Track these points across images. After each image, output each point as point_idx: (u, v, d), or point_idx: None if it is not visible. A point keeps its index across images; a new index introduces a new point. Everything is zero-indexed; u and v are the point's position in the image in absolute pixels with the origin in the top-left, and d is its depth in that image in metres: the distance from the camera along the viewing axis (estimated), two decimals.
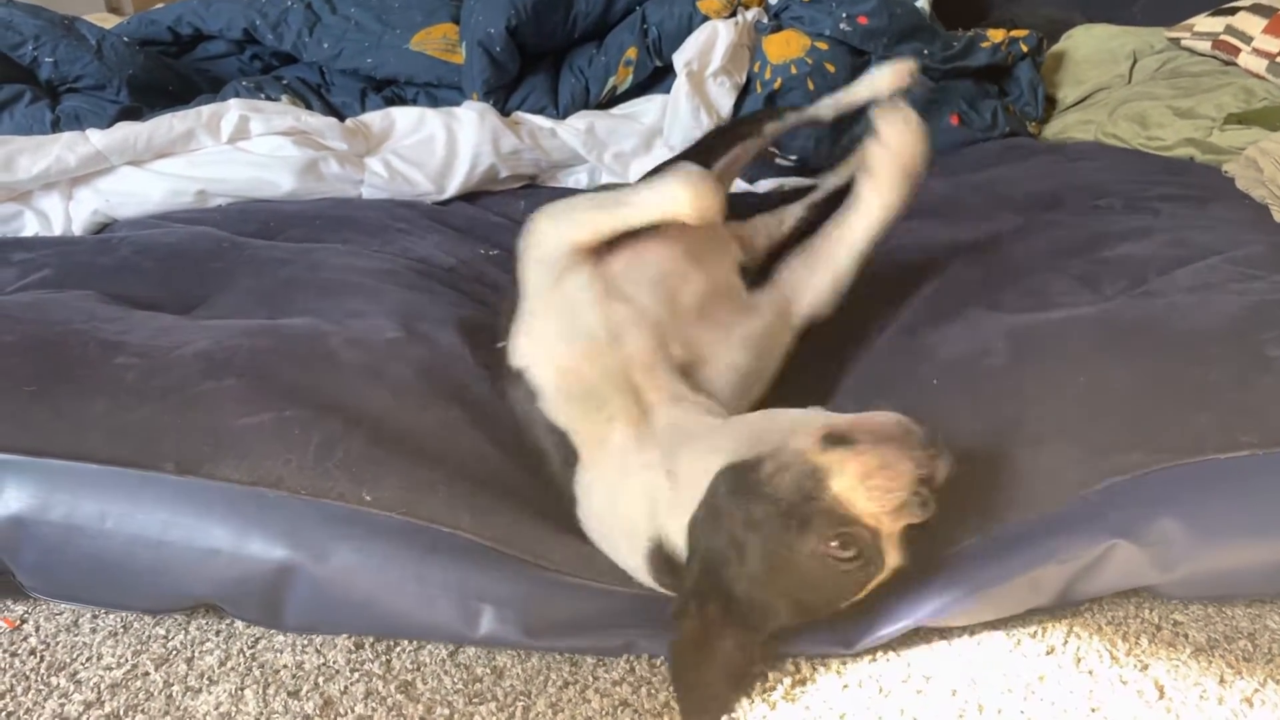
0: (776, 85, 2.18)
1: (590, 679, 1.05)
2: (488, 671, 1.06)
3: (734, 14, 2.32)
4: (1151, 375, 1.16)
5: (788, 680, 1.04)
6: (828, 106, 1.74)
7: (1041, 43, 2.55)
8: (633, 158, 2.20)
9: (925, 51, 2.26)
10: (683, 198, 1.20)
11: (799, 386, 1.31)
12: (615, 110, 2.32)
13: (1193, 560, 1.07)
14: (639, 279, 1.23)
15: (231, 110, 1.96)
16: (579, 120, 2.23)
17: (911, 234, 1.60)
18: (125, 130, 1.88)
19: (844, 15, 2.23)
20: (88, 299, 1.41)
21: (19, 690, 1.05)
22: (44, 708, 1.02)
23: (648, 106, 2.30)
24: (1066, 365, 1.21)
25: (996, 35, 2.48)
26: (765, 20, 2.33)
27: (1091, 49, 2.67)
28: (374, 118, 2.14)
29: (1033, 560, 1.05)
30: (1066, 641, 1.07)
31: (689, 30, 2.25)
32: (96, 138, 1.86)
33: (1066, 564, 1.05)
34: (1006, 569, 1.06)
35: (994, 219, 1.67)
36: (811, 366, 1.37)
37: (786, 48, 2.19)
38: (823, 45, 2.20)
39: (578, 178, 2.24)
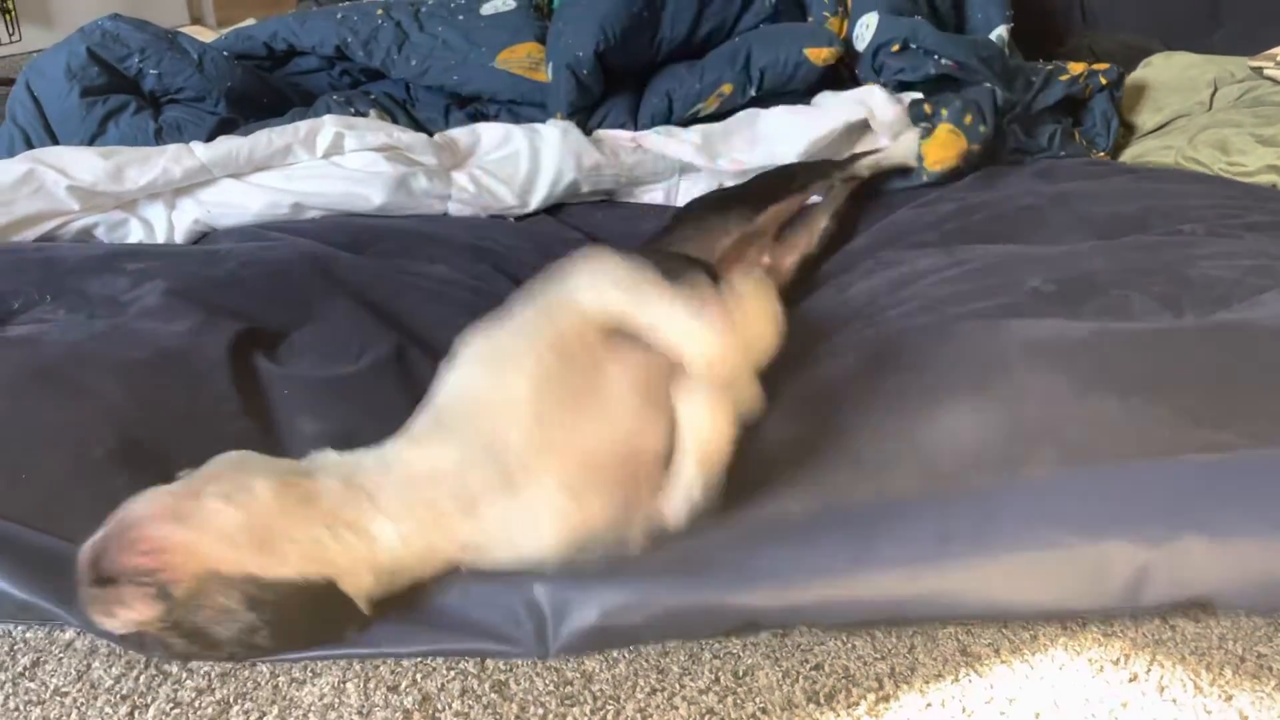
0: (923, 178, 2.11)
1: (677, 686, 1.08)
2: (577, 675, 1.09)
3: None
4: (1243, 363, 1.18)
5: (871, 696, 1.06)
6: (865, 167, 1.80)
7: (1121, 77, 2.54)
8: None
9: (1006, 96, 2.25)
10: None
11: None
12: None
13: (1264, 562, 1.06)
14: None
15: (327, 127, 2.04)
16: (692, 134, 2.25)
17: (985, 237, 1.62)
18: (227, 144, 1.97)
19: (933, 61, 2.25)
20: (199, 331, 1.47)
21: (133, 675, 1.10)
22: (158, 693, 1.08)
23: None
24: (1152, 351, 1.23)
25: (1076, 68, 2.48)
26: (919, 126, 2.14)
27: (1171, 76, 2.66)
28: (461, 133, 2.21)
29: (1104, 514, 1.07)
30: (1150, 670, 1.08)
31: (793, 76, 2.28)
32: (200, 151, 1.94)
33: (1134, 546, 1.06)
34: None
35: (1073, 232, 1.68)
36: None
37: (944, 151, 2.08)
38: (976, 148, 2.10)
39: (653, 195, 2.29)
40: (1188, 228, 1.67)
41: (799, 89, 2.39)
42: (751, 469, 1.19)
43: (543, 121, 2.30)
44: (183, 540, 1.00)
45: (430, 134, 2.38)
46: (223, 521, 1.01)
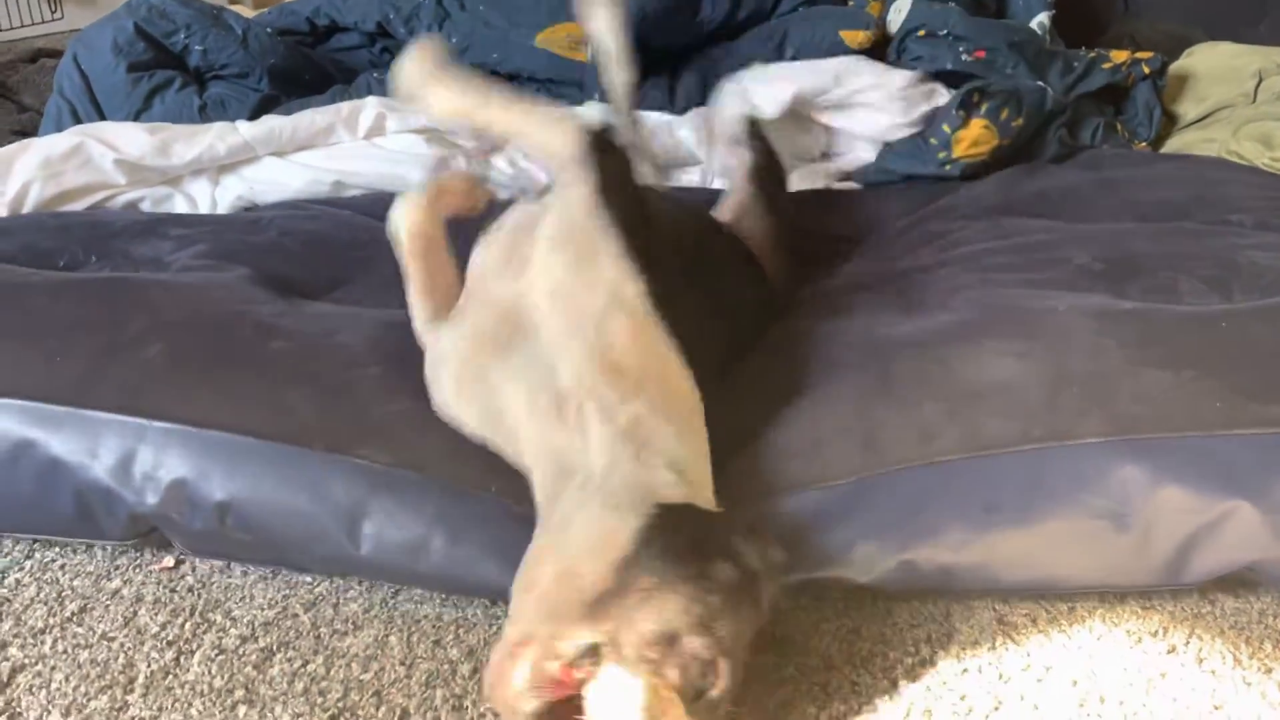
0: (945, 168, 2.06)
1: None
2: None
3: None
4: None
5: (908, 660, 1.06)
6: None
7: (1165, 66, 2.51)
8: None
9: (1056, 98, 2.22)
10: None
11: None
12: None
13: None
14: None
15: (369, 108, 2.06)
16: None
17: (1030, 216, 1.61)
18: (271, 123, 1.99)
19: (960, 50, 2.23)
20: (242, 280, 1.48)
21: (179, 622, 1.13)
22: (203, 639, 1.10)
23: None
24: (1205, 328, 1.23)
25: (1119, 56, 2.45)
26: (955, 112, 2.06)
27: (1214, 66, 2.63)
28: None
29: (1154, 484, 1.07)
30: (1189, 642, 1.08)
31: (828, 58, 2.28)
32: (245, 129, 1.97)
33: (1182, 516, 1.07)
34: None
35: (1118, 217, 1.66)
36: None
37: (974, 147, 2.04)
38: (1007, 143, 2.06)
39: (690, 176, 2.29)
40: (1235, 217, 1.66)
41: None
42: (795, 432, 1.20)
43: (580, 102, 2.30)
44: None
45: None
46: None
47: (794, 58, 2.29)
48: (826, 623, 1.12)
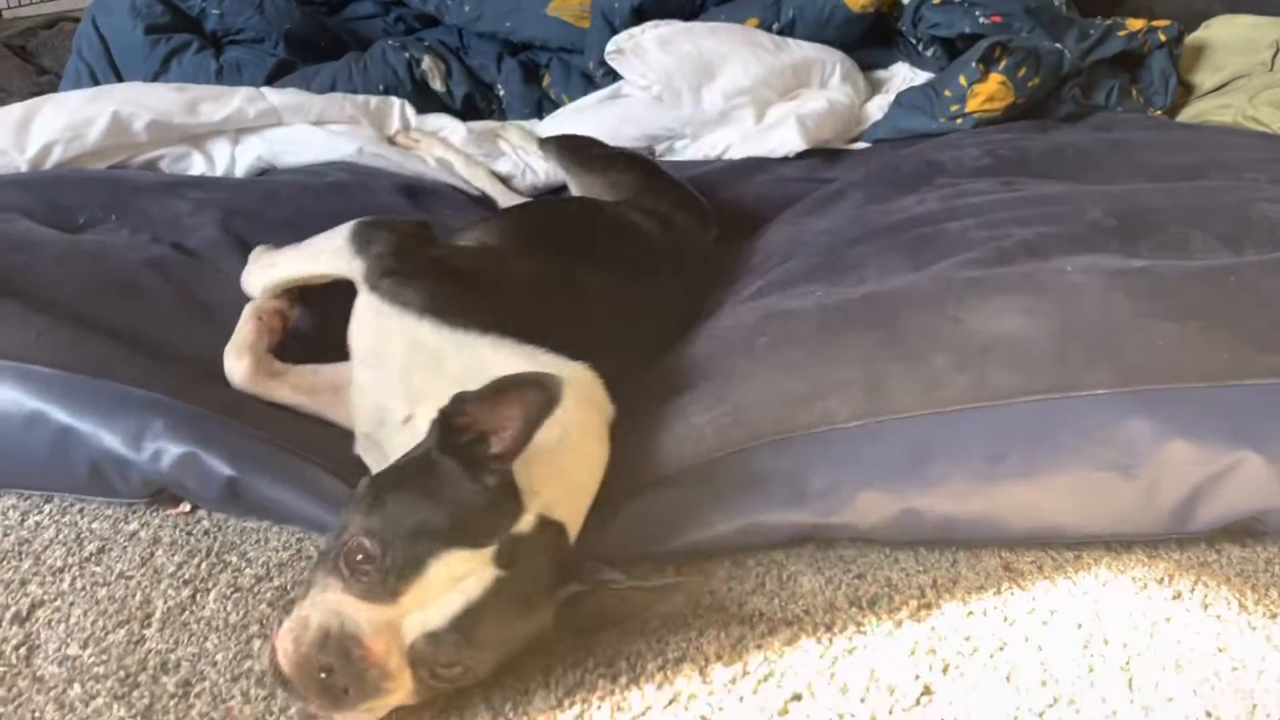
0: (957, 121, 2.07)
1: (724, 590, 1.10)
2: None
3: (877, 9, 2.32)
4: None
5: (913, 603, 1.07)
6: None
7: (1181, 34, 2.50)
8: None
9: (1072, 61, 2.21)
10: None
11: None
12: None
13: None
14: None
15: (396, 110, 2.13)
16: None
17: (1042, 174, 1.61)
18: (301, 98, 2.03)
19: (977, 14, 2.23)
20: None
21: (194, 562, 1.14)
22: (219, 579, 1.12)
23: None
24: (1212, 281, 1.24)
25: (1135, 24, 2.44)
26: (975, 65, 2.09)
27: (1232, 36, 2.61)
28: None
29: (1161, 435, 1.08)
30: (1194, 589, 1.09)
31: (828, 23, 2.27)
32: (272, 96, 2.00)
33: (1189, 466, 1.07)
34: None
35: (1131, 177, 1.66)
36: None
37: (989, 103, 2.06)
38: (1022, 101, 2.08)
39: (682, 154, 2.28)
40: (1249, 175, 1.65)
41: (837, 38, 2.38)
42: (796, 374, 1.21)
43: (587, 66, 2.32)
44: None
45: (483, 81, 2.42)
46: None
47: (792, 20, 2.29)
48: (830, 568, 1.13)
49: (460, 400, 0.96)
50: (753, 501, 1.13)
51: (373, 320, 1.20)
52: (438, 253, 1.31)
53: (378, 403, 1.16)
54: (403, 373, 1.14)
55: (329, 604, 0.88)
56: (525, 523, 0.95)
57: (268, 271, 1.40)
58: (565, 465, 1.04)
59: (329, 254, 1.33)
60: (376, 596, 0.88)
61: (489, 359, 1.10)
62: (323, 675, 0.85)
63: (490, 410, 0.95)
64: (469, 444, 0.96)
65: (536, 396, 0.93)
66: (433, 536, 0.89)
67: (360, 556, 0.89)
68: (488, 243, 1.40)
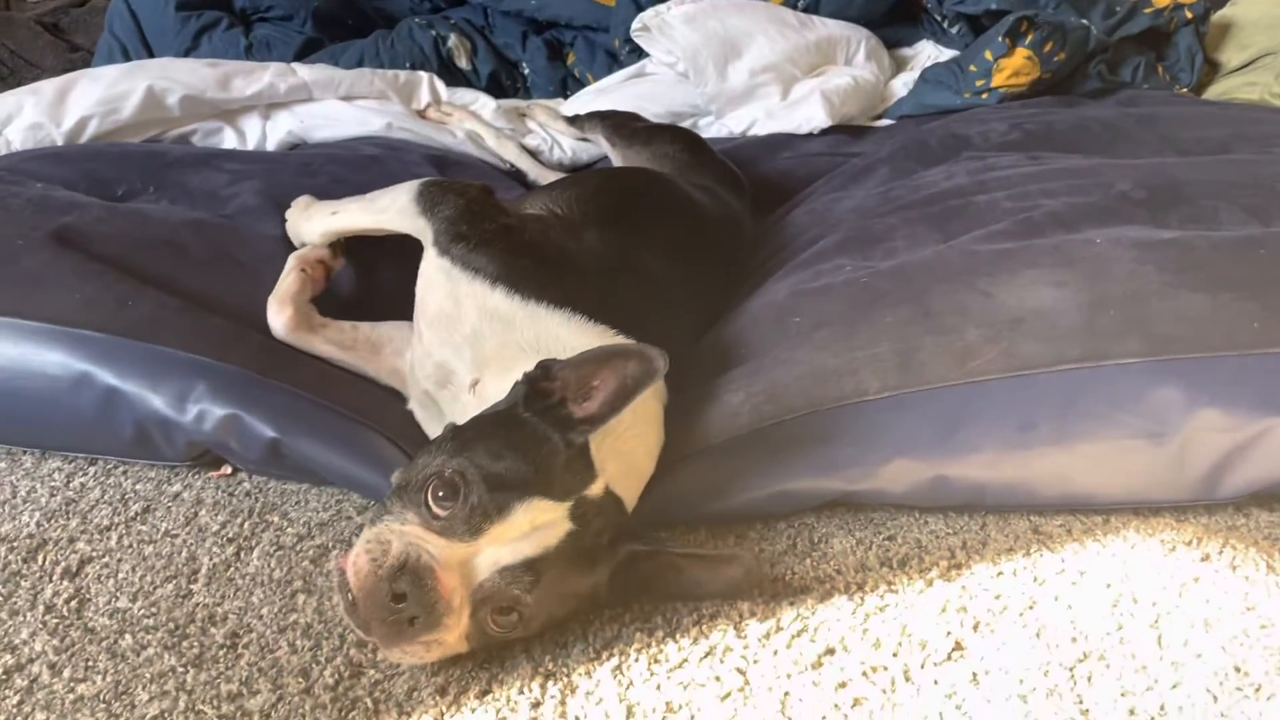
0: (982, 96, 2.08)
1: (757, 549, 1.12)
2: (662, 538, 1.14)
3: None
4: None
5: (943, 563, 1.09)
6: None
7: (1208, 12, 2.49)
8: None
9: (1098, 38, 2.21)
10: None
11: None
12: None
13: None
14: None
15: (423, 85, 2.14)
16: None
17: (1069, 148, 1.61)
18: (330, 73, 2.05)
19: None
20: None
21: (237, 522, 1.17)
22: (262, 537, 1.14)
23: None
24: (1243, 252, 1.24)
25: (1162, 1, 2.44)
26: (1001, 39, 2.10)
27: (1260, 14, 2.60)
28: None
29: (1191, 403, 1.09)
30: (1222, 551, 1.10)
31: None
32: (303, 72, 2.02)
33: (1219, 434, 1.08)
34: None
35: (1159, 151, 1.66)
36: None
37: (1015, 78, 2.07)
38: (1047, 77, 2.09)
39: (707, 131, 2.29)
40: (1277, 150, 1.65)
41: (862, 15, 2.39)
42: (828, 351, 1.22)
43: (611, 44, 2.33)
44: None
45: (508, 59, 2.44)
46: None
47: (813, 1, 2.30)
48: (861, 530, 1.15)
49: (547, 366, 1.00)
50: (784, 471, 1.15)
51: (443, 283, 1.21)
52: (508, 220, 1.30)
53: (442, 364, 1.19)
54: (473, 338, 1.16)
55: (409, 535, 0.90)
56: (596, 488, 0.97)
57: (329, 219, 1.41)
58: (629, 446, 1.07)
59: (394, 211, 1.33)
60: (456, 534, 0.90)
61: (562, 334, 1.13)
62: (394, 603, 0.86)
63: (583, 377, 0.98)
64: (550, 408, 0.99)
65: (636, 369, 0.96)
66: (520, 484, 0.92)
67: (443, 493, 0.91)
68: (556, 212, 1.40)
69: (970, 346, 1.18)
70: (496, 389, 1.05)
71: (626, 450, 1.06)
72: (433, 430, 1.20)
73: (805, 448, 1.16)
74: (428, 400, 1.21)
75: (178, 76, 1.90)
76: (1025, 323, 1.18)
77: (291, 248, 1.44)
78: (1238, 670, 0.93)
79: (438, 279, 1.22)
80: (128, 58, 2.20)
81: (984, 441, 1.13)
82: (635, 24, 2.22)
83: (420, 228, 1.28)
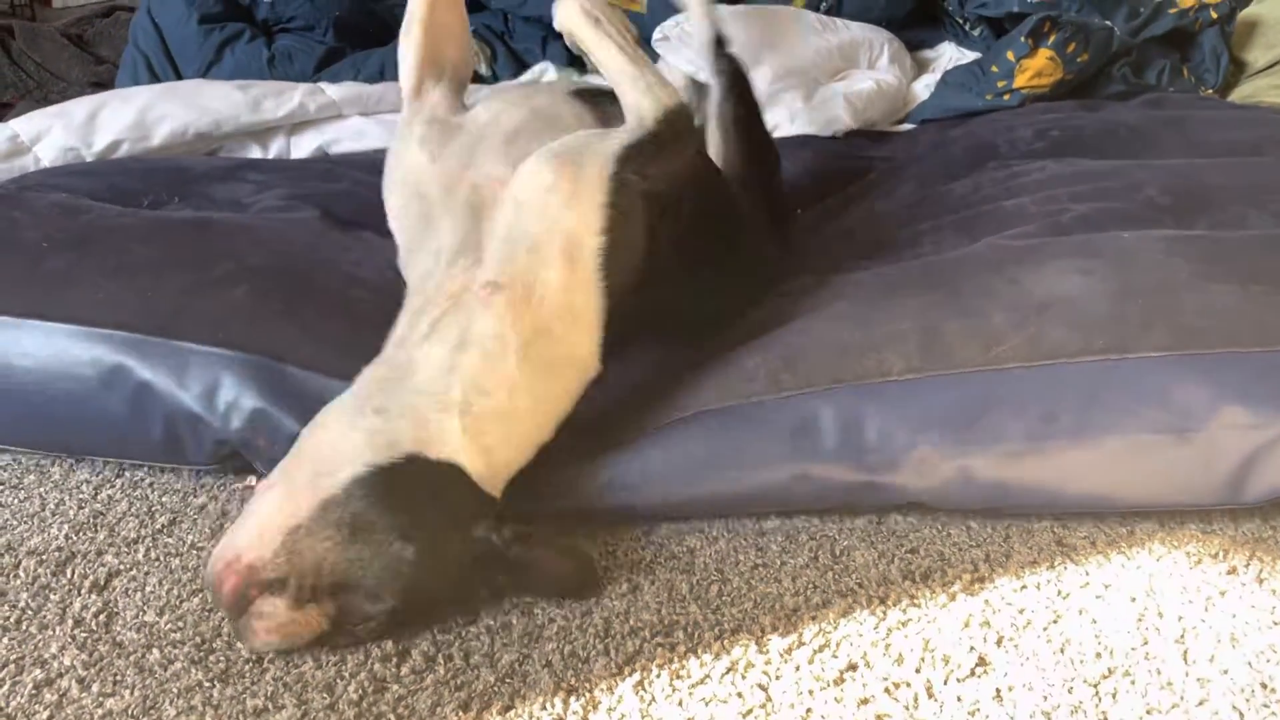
0: (1004, 98, 2.08)
1: (778, 562, 1.12)
2: (683, 550, 1.14)
3: None
4: None
5: (966, 576, 1.08)
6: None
7: (1234, 11, 2.47)
8: None
9: (1121, 39, 2.19)
10: None
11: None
12: None
13: None
14: None
15: None
16: None
17: (1095, 151, 1.60)
18: (359, 89, 2.08)
19: None
20: (316, 222, 1.55)
21: None
22: None
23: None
24: (1272, 248, 1.24)
25: (1187, 1, 2.42)
26: (1024, 39, 2.10)
27: None
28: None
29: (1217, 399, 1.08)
30: (1249, 564, 1.09)
31: (875, 2, 2.27)
32: (332, 90, 2.05)
33: (1244, 432, 1.07)
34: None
35: (1186, 154, 1.65)
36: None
37: (1037, 79, 2.06)
38: (1070, 78, 2.08)
39: None
40: None
41: (884, 18, 2.38)
42: (851, 324, 1.22)
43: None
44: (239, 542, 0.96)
45: (527, 65, 2.44)
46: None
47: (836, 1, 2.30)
48: (883, 542, 1.15)
49: None
50: (804, 448, 1.14)
51: (570, 170, 1.10)
52: (654, 187, 1.16)
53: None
54: (509, 236, 1.11)
55: None
56: None
57: (582, 17, 1.19)
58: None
59: (632, 79, 1.17)
60: None
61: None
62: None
63: None
64: None
65: None
66: None
67: None
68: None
69: (996, 331, 1.17)
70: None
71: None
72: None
73: (826, 426, 1.14)
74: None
75: (209, 104, 1.93)
76: (1052, 309, 1.16)
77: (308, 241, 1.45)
78: (1264, 686, 0.93)
79: (549, 170, 1.10)
80: (152, 70, 2.23)
81: (1007, 430, 1.12)
82: (656, 34, 2.22)
83: (634, 117, 1.17)
